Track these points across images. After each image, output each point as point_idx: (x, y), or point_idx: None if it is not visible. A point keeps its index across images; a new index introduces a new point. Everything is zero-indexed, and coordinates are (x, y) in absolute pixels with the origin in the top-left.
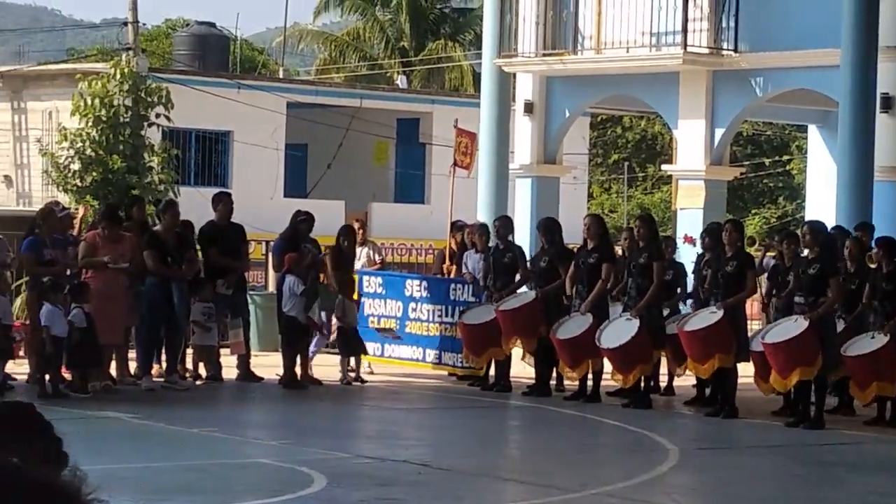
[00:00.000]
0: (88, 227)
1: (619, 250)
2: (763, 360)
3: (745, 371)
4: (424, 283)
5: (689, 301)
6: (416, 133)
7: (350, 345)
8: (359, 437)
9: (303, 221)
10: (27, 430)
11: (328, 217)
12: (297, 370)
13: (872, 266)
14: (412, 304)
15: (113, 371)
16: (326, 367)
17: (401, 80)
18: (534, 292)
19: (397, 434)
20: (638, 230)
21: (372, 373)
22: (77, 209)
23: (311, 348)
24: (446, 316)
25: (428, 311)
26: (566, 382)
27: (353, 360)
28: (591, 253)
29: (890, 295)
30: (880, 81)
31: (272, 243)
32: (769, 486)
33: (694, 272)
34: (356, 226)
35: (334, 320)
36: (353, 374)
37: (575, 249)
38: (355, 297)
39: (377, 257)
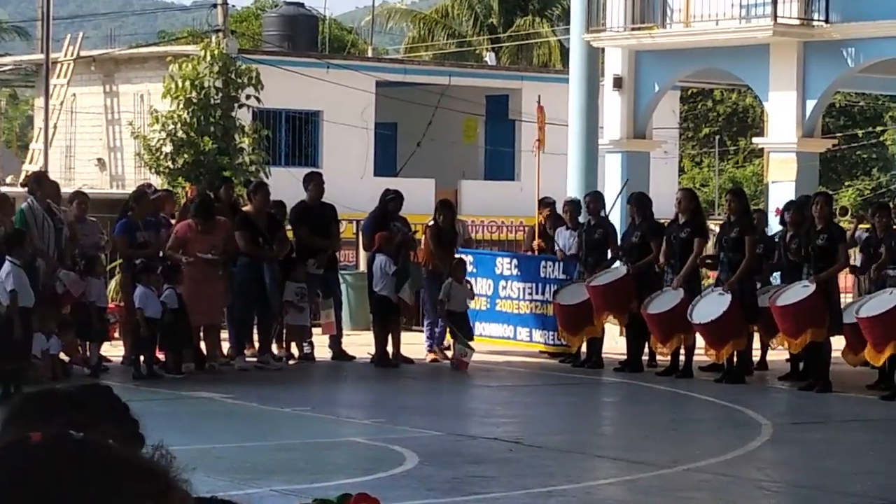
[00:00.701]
0: (180, 213)
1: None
2: (856, 333)
3: (839, 345)
4: (515, 261)
5: (778, 274)
6: (505, 110)
7: (461, 329)
8: (450, 415)
9: (392, 200)
10: (107, 413)
11: (418, 195)
12: (389, 349)
13: None
14: (502, 283)
15: (205, 351)
16: (419, 345)
17: (489, 57)
18: (625, 267)
19: (488, 412)
20: (729, 204)
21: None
22: (187, 188)
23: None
24: (537, 294)
25: (519, 288)
26: (658, 358)
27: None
28: (682, 227)
29: None
30: None
31: (362, 222)
32: (864, 461)
33: (778, 246)
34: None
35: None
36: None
37: (666, 224)
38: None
39: (464, 234)
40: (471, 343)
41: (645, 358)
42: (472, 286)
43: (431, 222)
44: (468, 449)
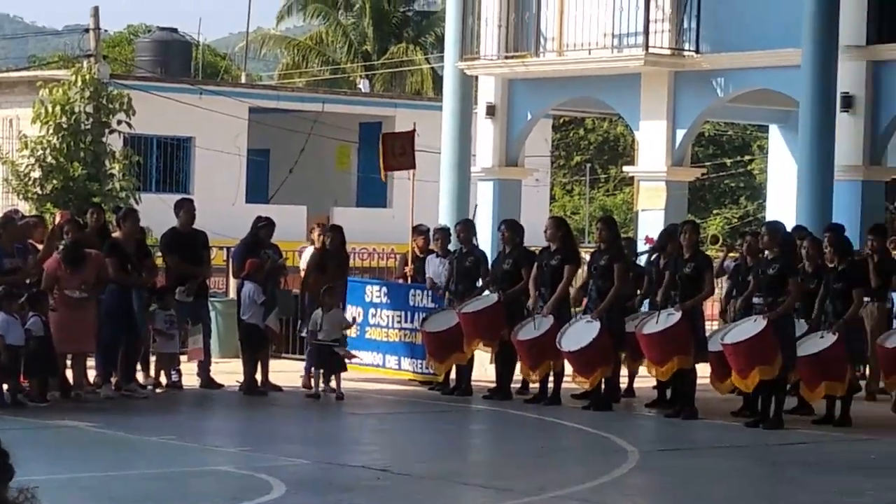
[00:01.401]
0: (47, 239)
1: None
2: (721, 360)
3: (704, 372)
4: (384, 289)
5: (646, 302)
6: (378, 137)
7: (326, 362)
8: (318, 442)
9: (263, 227)
10: None
11: (290, 222)
12: (258, 377)
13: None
14: (372, 310)
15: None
16: (288, 373)
17: (363, 84)
18: (496, 295)
19: (357, 439)
20: (600, 232)
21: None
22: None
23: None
24: (406, 322)
25: (388, 316)
26: (532, 386)
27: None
28: (553, 255)
29: (841, 294)
30: (841, 81)
31: (233, 249)
32: (729, 487)
33: (646, 274)
34: (317, 231)
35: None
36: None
37: (537, 251)
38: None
39: None
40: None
41: (517, 385)
42: (349, 314)
43: (315, 246)
44: (336, 477)
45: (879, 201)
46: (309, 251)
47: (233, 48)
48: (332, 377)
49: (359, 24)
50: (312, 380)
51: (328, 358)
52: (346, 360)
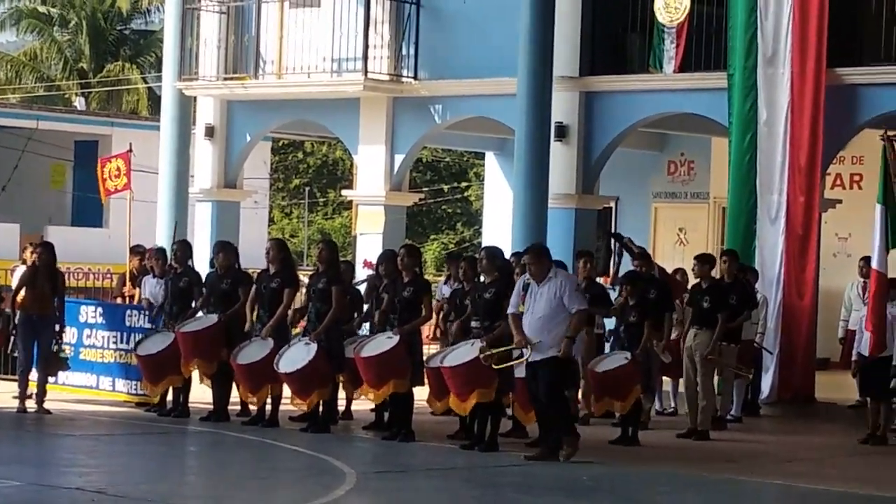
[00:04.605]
0: None
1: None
2: (440, 380)
3: (421, 395)
4: (100, 310)
5: (366, 325)
6: (94, 155)
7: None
8: (32, 464)
9: None
10: None
11: (3, 240)
12: None
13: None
14: (87, 331)
15: None
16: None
17: (79, 102)
18: (216, 315)
19: (72, 461)
20: (320, 254)
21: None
22: None
23: None
24: (122, 342)
25: (103, 337)
26: (251, 408)
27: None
28: (273, 278)
29: None
30: (555, 110)
31: None
32: None
33: (366, 296)
34: (29, 250)
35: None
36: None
37: (256, 274)
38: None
39: None
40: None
41: (235, 408)
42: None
43: (27, 265)
44: (50, 499)
45: (591, 229)
46: (21, 270)
47: None
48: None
49: (75, 41)
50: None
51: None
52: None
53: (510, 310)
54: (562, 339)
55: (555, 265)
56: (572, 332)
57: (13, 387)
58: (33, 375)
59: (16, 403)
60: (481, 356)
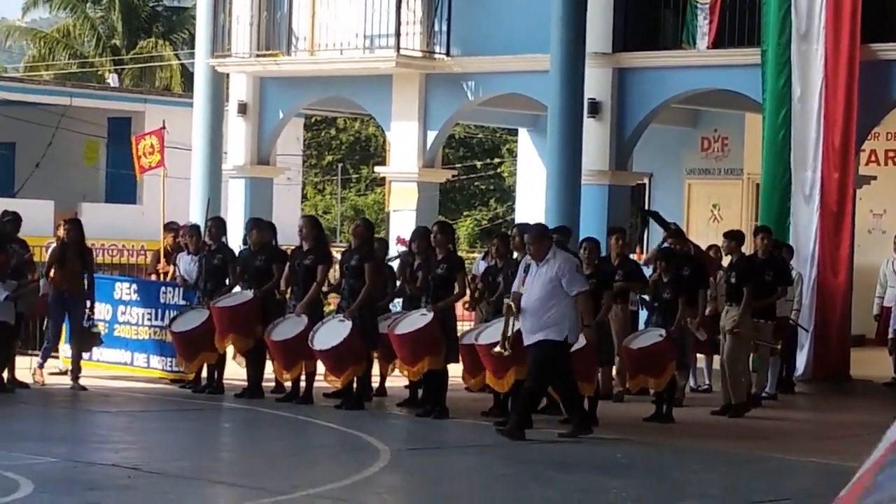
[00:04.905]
0: None
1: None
2: (474, 357)
3: (456, 372)
4: (134, 286)
5: (399, 301)
6: (127, 132)
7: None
8: (67, 441)
9: (9, 222)
10: None
11: (37, 217)
12: (4, 374)
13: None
14: (121, 308)
15: None
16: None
17: (112, 79)
18: (251, 291)
19: (107, 438)
20: (354, 230)
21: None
22: None
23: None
24: (156, 319)
25: (138, 314)
26: (286, 384)
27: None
28: (306, 255)
29: (592, 295)
30: (588, 87)
31: None
32: (478, 485)
33: (398, 273)
34: (63, 227)
35: None
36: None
37: (290, 251)
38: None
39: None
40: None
41: (269, 384)
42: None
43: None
44: (85, 475)
45: (625, 206)
46: (182, 256)
47: None
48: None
49: (107, 18)
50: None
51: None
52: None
53: (513, 289)
54: (559, 322)
55: (588, 242)
56: (588, 318)
57: (50, 362)
58: (66, 352)
59: (46, 379)
60: (496, 351)
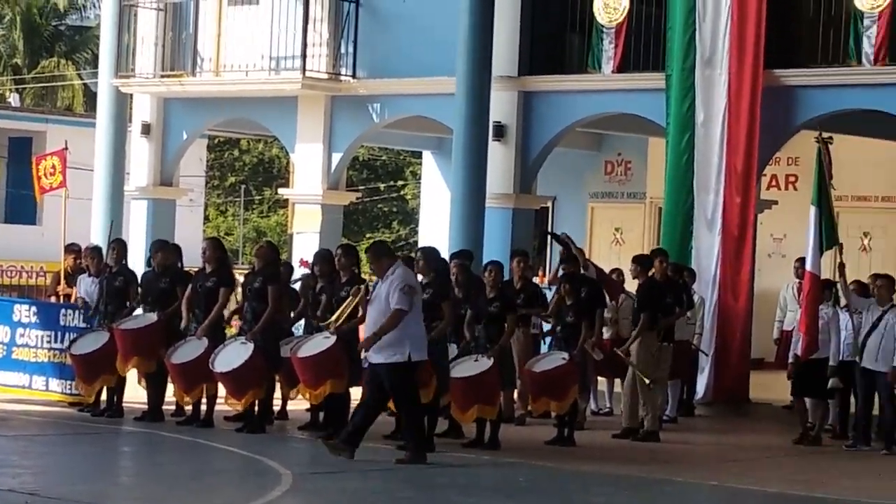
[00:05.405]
0: None
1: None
2: None
3: (357, 395)
4: (34, 308)
5: (301, 324)
6: (28, 152)
7: None
8: None
9: None
10: None
11: None
12: None
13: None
14: (20, 330)
15: None
16: None
17: (13, 98)
18: (155, 314)
19: (4, 462)
20: (256, 252)
21: None
22: None
23: None
24: (56, 342)
25: (37, 336)
26: (186, 407)
27: None
28: (208, 277)
29: (495, 318)
30: (493, 110)
31: None
32: None
33: (301, 295)
34: None
35: None
36: None
37: (194, 273)
38: None
39: None
40: None
41: (170, 407)
42: None
43: None
44: None
45: (528, 229)
46: (83, 278)
47: None
48: None
49: (9, 37)
50: None
51: None
52: None
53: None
54: (398, 342)
55: (492, 265)
56: (380, 330)
57: None
58: None
59: None
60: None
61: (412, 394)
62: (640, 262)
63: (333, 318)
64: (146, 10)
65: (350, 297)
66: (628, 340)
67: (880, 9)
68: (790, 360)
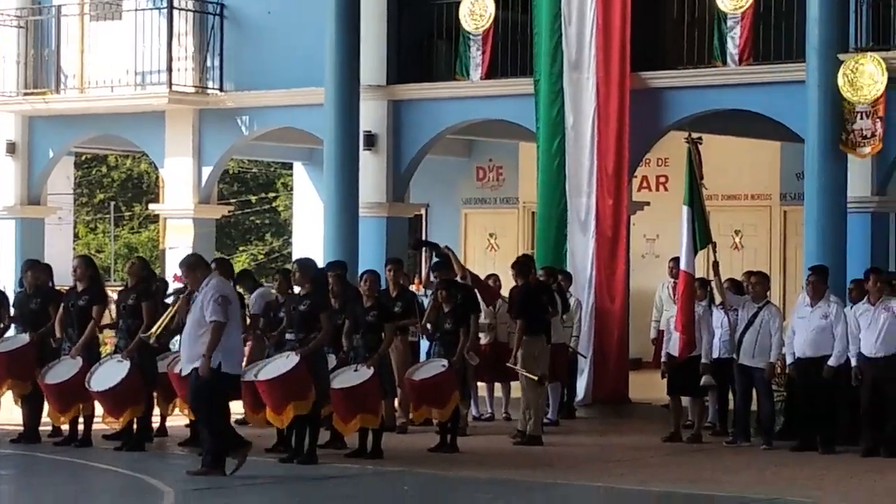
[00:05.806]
0: None
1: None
2: (255, 394)
3: (239, 409)
4: None
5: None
6: None
7: None
8: None
9: None
10: None
11: None
12: None
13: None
14: None
15: None
16: None
17: None
18: (27, 335)
19: None
20: (130, 268)
21: None
22: None
23: None
24: None
25: None
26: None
27: None
28: (80, 295)
29: (373, 327)
30: (363, 119)
31: None
32: None
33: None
34: None
35: None
36: None
37: (65, 291)
38: None
39: None
40: None
41: (46, 429)
42: None
43: None
44: None
45: (402, 237)
46: None
47: None
48: None
49: None
50: None
51: None
52: None
53: None
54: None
55: (368, 274)
56: (207, 348)
57: None
58: None
59: None
60: None
61: (214, 401)
62: (519, 267)
63: (154, 329)
64: (6, 27)
65: (170, 307)
66: (512, 350)
67: (743, 9)
68: (663, 360)
